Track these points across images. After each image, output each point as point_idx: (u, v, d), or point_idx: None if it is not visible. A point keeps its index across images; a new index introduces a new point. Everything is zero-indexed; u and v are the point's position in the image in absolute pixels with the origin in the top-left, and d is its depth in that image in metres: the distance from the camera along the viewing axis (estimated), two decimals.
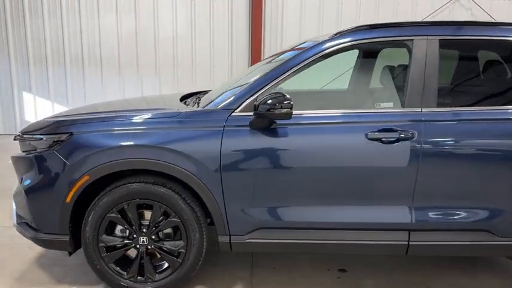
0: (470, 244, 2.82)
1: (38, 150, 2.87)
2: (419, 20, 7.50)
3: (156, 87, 8.18)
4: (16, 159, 3.03)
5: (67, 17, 7.99)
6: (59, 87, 8.22)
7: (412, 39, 2.85)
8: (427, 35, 2.84)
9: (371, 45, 3.05)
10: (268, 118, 2.66)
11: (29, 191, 2.85)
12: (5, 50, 8.09)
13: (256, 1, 7.81)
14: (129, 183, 2.79)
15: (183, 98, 3.60)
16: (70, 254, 2.98)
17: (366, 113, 2.82)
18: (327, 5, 8.04)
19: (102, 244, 2.85)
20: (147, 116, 2.89)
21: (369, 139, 2.70)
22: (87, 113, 3.10)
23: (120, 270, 2.90)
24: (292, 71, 2.83)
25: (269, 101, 2.61)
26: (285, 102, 2.59)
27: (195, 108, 3.01)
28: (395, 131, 2.71)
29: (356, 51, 3.83)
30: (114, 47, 8.11)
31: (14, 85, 8.21)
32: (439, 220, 2.80)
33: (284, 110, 2.59)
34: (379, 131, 2.72)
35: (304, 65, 2.84)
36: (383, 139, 2.71)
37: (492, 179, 2.75)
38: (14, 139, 3.06)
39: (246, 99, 2.80)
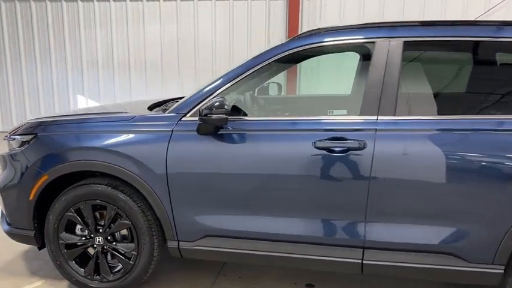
0: (433, 268, 2.54)
1: (10, 149, 3.06)
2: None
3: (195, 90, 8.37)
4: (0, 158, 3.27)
5: (116, 26, 8.47)
6: (108, 89, 8.74)
7: (374, 42, 2.64)
8: (390, 37, 2.62)
9: (328, 49, 2.86)
10: (207, 123, 2.61)
11: (2, 188, 3.05)
12: (63, 57, 8.76)
13: (292, 9, 7.72)
14: (84, 184, 2.88)
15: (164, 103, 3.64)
16: (39, 248, 3.13)
17: (314, 120, 2.66)
18: (368, 11, 7.71)
19: (61, 241, 2.97)
20: (103, 119, 2.96)
21: (316, 148, 2.54)
22: (56, 116, 3.24)
23: (78, 268, 2.99)
24: (243, 76, 2.75)
25: (207, 106, 2.56)
26: (219, 108, 2.52)
27: (148, 112, 3.04)
28: (345, 140, 2.53)
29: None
30: (157, 52, 8.44)
31: (69, 88, 8.87)
32: (395, 239, 2.55)
33: (214, 116, 2.53)
34: (327, 139, 2.55)
35: (256, 71, 2.75)
36: (332, 148, 2.53)
37: (457, 196, 2.45)
38: (3, 139, 3.30)
39: (197, 105, 2.76)
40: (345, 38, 2.73)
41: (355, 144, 2.50)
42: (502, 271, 2.47)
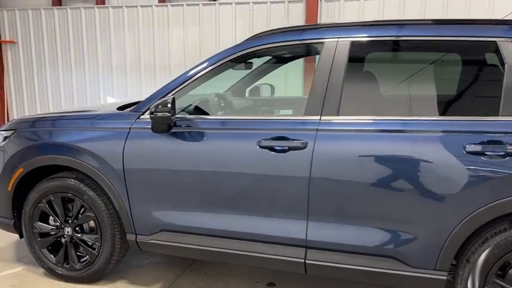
0: (375, 271, 2.50)
1: None
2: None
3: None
4: None
5: (143, 30, 8.81)
6: (136, 91, 9.10)
7: (323, 42, 2.64)
8: (338, 37, 2.61)
9: (281, 49, 2.88)
10: (154, 121, 2.71)
11: None
12: (95, 60, 9.23)
13: (310, 11, 7.70)
14: (55, 177, 3.07)
15: None
16: (20, 236, 3.36)
17: (259, 119, 2.70)
18: (388, 13, 7.55)
19: (36, 230, 3.18)
20: (71, 117, 3.15)
21: (260, 147, 2.58)
22: (39, 114, 3.46)
23: (50, 255, 3.19)
24: (199, 75, 2.84)
25: (155, 105, 2.67)
26: (163, 106, 2.62)
27: (111, 110, 3.18)
28: (287, 139, 2.55)
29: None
30: (181, 55, 8.70)
31: (100, 90, 9.32)
32: (337, 240, 2.54)
33: (159, 114, 2.63)
34: (271, 139, 2.58)
35: (211, 70, 2.83)
36: (275, 147, 2.56)
37: (396, 199, 2.40)
38: None
39: (154, 103, 2.87)
40: (296, 39, 2.75)
41: (297, 144, 2.52)
42: (445, 277, 2.39)
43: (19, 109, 10.01)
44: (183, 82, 2.85)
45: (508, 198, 2.22)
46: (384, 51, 2.83)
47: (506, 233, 2.27)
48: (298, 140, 2.52)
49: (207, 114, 3.05)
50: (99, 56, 9.22)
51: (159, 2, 8.75)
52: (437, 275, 2.40)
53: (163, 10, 8.70)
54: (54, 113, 3.44)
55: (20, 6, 9.81)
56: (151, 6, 8.74)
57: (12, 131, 3.20)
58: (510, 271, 2.27)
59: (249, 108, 3.63)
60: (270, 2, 8.09)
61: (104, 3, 9.19)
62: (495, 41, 2.36)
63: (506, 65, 2.32)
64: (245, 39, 2.88)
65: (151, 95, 2.93)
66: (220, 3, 8.35)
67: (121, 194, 2.89)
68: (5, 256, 3.61)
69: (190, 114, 2.94)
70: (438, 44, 2.51)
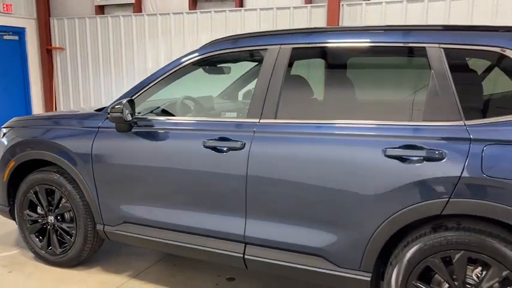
0: (305, 269, 2.59)
1: None
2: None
3: None
4: None
5: (175, 36, 9.25)
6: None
7: (266, 49, 2.78)
8: (281, 44, 2.73)
9: (232, 56, 3.03)
10: (112, 121, 2.96)
11: None
12: (131, 63, 9.80)
13: (331, 15, 7.73)
14: (41, 170, 3.42)
15: None
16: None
17: (205, 121, 2.88)
18: (410, 17, 7.41)
19: (25, 217, 3.55)
20: (55, 117, 3.49)
21: (205, 147, 2.76)
22: (36, 115, 3.85)
23: (37, 241, 3.55)
24: (158, 80, 3.06)
25: (111, 106, 2.93)
26: (116, 106, 2.87)
27: (86, 111, 3.48)
28: (229, 140, 2.71)
29: None
30: None
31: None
32: (270, 237, 2.66)
33: (114, 114, 2.88)
34: (214, 139, 2.75)
35: (169, 75, 3.04)
36: (218, 147, 2.73)
37: (323, 200, 2.49)
38: None
39: (110, 105, 3.13)
40: (245, 45, 2.90)
41: (236, 145, 2.67)
42: (369, 278, 2.44)
43: (66, 108, 10.79)
44: (145, 86, 3.08)
45: (424, 203, 2.24)
46: (320, 57, 2.90)
47: (426, 237, 2.28)
48: (238, 140, 2.67)
49: (172, 115, 3.26)
50: (135, 59, 9.76)
51: (189, 10, 9.13)
52: (361, 275, 2.45)
53: (193, 17, 9.08)
54: (46, 113, 3.81)
55: (68, 15, 10.61)
56: (182, 13, 9.15)
57: (9, 128, 3.60)
58: (432, 275, 2.29)
59: (213, 110, 3.81)
60: (293, 7, 8.21)
61: (140, 12, 9.71)
62: (424, 47, 2.38)
63: (432, 71, 2.34)
64: (203, 45, 3.07)
65: (120, 97, 3.19)
66: (245, 9, 8.58)
67: (91, 188, 3.17)
68: (5, 241, 4.02)
69: (158, 115, 3.17)
70: (371, 50, 2.57)
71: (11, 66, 10.57)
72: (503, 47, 2.24)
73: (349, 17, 7.84)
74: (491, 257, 2.15)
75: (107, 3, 10.13)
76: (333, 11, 7.73)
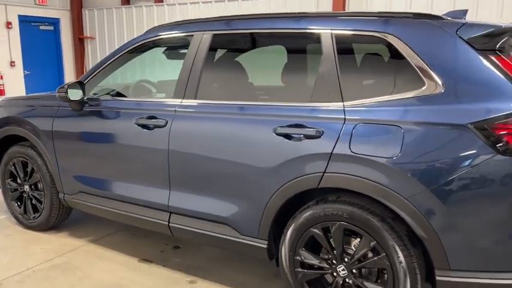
0: (216, 236, 2.84)
1: None
2: None
3: None
4: None
5: None
6: None
7: (192, 35, 3.03)
8: (204, 31, 2.97)
9: (165, 41, 3.29)
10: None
11: None
12: (153, 51, 10.28)
13: (337, 3, 7.79)
14: (19, 144, 3.88)
15: None
16: None
17: (137, 101, 3.18)
18: (415, 5, 7.32)
19: (7, 186, 4.03)
20: (30, 98, 3.92)
21: (137, 125, 3.07)
22: (20, 96, 4.32)
23: (17, 207, 4.02)
24: (106, 64, 3.40)
25: (59, 87, 3.29)
26: (62, 88, 3.23)
27: (53, 92, 3.87)
28: (155, 118, 3.00)
29: None
30: None
31: (156, 78, 10.37)
32: (188, 207, 2.93)
33: (60, 94, 3.23)
34: (144, 117, 3.05)
35: (115, 60, 3.37)
36: (146, 125, 3.03)
37: (227, 173, 2.72)
38: None
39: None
40: (175, 32, 3.16)
41: (161, 123, 2.96)
42: (265, 246, 2.66)
43: None
44: (96, 70, 3.43)
45: (304, 177, 2.43)
46: (233, 43, 3.10)
47: (310, 210, 2.47)
48: (162, 119, 2.95)
49: (124, 96, 3.59)
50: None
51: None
52: (259, 243, 2.67)
53: (208, 6, 9.39)
54: (28, 95, 4.27)
55: (98, 6, 11.26)
56: (198, 2, 9.49)
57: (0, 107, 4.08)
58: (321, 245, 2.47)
59: (155, 92, 4.07)
60: None
61: (161, 1, 10.15)
62: (319, 33, 2.55)
63: (322, 55, 2.50)
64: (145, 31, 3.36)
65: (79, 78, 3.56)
66: None
67: (53, 161, 3.58)
68: None
69: (111, 97, 3.52)
70: (272, 36, 2.75)
71: (47, 54, 11.39)
72: (384, 32, 2.36)
73: (355, 5, 7.86)
74: (362, 228, 2.32)
75: None
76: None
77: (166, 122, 2.92)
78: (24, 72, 10.60)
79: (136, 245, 3.67)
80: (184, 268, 3.28)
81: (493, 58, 2.13)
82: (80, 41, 11.46)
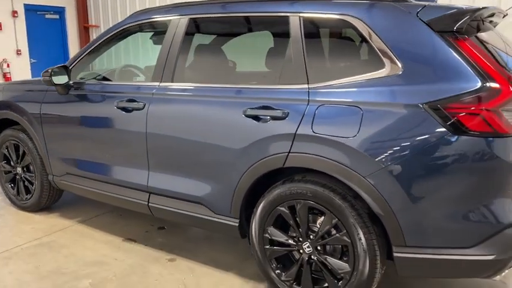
0: (193, 215, 2.93)
1: None
2: None
3: None
4: None
5: None
6: None
7: (170, 20, 3.10)
8: (181, 15, 3.04)
9: (146, 26, 3.36)
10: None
11: None
12: (147, 41, 10.37)
13: None
14: (12, 128, 4.00)
15: None
16: None
17: (117, 85, 3.28)
18: None
19: (1, 168, 4.18)
20: (21, 82, 4.04)
21: (117, 107, 3.16)
22: (15, 80, 4.44)
23: (11, 188, 4.16)
24: (91, 49, 3.48)
25: (43, 71, 3.39)
26: (46, 72, 3.33)
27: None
28: (135, 101, 3.08)
29: None
30: None
31: None
32: (166, 187, 3.02)
33: (45, 78, 3.33)
34: (124, 100, 3.13)
35: (101, 44, 3.45)
36: (126, 108, 3.12)
37: (201, 154, 2.80)
38: None
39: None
40: (156, 17, 3.22)
41: (139, 105, 3.04)
42: (237, 224, 2.74)
43: None
44: (80, 55, 3.52)
45: (271, 157, 2.50)
46: (207, 27, 3.15)
47: (277, 189, 2.55)
48: (140, 102, 3.04)
49: (109, 81, 3.68)
50: None
51: None
52: (231, 221, 2.76)
53: None
54: (21, 80, 4.39)
55: None
56: None
57: None
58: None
59: (138, 76, 4.15)
60: None
61: None
62: (288, 16, 2.60)
63: (290, 38, 2.56)
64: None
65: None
66: None
67: (42, 143, 3.70)
68: None
69: (96, 81, 3.61)
70: (244, 20, 2.81)
71: (53, 42, 11.53)
72: (349, 16, 2.40)
73: None
74: (325, 206, 2.39)
75: None
76: None
77: (144, 105, 3.01)
78: (30, 61, 10.76)
79: (123, 226, 3.79)
80: (166, 247, 3.39)
81: (450, 40, 2.16)
82: (85, 30, 11.58)
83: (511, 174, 2.08)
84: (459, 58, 2.12)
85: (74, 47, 11.76)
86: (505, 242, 2.08)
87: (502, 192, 2.08)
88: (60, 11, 11.50)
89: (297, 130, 2.39)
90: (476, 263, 2.11)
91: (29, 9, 10.70)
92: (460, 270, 2.20)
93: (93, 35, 11.72)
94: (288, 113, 2.44)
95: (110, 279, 2.94)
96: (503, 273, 2.23)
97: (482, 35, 2.34)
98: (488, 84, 2.04)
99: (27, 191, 4.05)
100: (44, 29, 11.24)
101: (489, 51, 2.28)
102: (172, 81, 2.97)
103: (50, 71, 3.32)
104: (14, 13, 10.36)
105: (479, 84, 2.05)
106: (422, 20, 2.23)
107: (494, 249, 2.08)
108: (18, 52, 10.51)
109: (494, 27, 2.91)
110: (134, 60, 4.01)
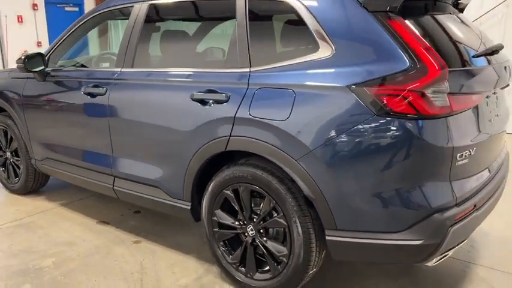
0: (151, 199, 3.00)
1: None
2: None
3: None
4: None
5: None
6: None
7: (133, 6, 3.15)
8: (142, 1, 3.09)
9: (115, 13, 3.41)
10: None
11: None
12: None
13: None
14: (1, 114, 4.18)
15: None
16: None
17: (88, 71, 3.41)
18: None
19: None
20: (11, 70, 4.18)
21: (84, 93, 3.25)
22: (6, 68, 4.63)
23: (2, 173, 4.36)
24: (66, 37, 3.59)
25: (17, 59, 3.51)
26: (19, 59, 3.45)
27: None
28: (98, 87, 3.16)
29: None
30: None
31: None
32: (128, 171, 3.10)
33: (18, 65, 3.46)
34: (90, 86, 3.22)
35: (75, 31, 3.55)
36: (91, 93, 3.20)
37: (153, 138, 2.85)
38: None
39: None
40: (124, 3, 3.27)
41: (101, 91, 3.12)
42: (189, 207, 2.79)
43: None
44: (56, 43, 3.63)
45: (214, 141, 2.52)
46: (161, 13, 3.17)
47: (223, 173, 2.57)
48: (103, 87, 3.11)
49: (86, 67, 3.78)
50: None
51: None
52: (183, 204, 2.81)
53: None
54: (11, 67, 4.55)
55: None
56: None
57: None
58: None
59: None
60: None
61: None
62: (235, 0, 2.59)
63: (236, 22, 2.56)
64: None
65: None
66: None
67: (24, 129, 3.85)
68: None
69: (75, 67, 3.72)
70: (198, 4, 2.82)
71: None
72: None
73: None
74: (264, 189, 2.39)
75: None
76: None
77: (106, 90, 3.08)
78: None
79: (102, 209, 3.91)
80: (135, 230, 3.47)
81: (383, 20, 2.11)
82: None
83: (438, 158, 2.02)
84: (390, 39, 2.06)
85: (92, 38, 12.01)
86: (433, 227, 2.03)
87: (428, 176, 2.03)
88: (79, 3, 11.79)
89: (236, 113, 2.39)
90: (404, 247, 2.07)
91: (49, 2, 11.03)
92: (390, 255, 2.16)
93: (112, 26, 11.93)
94: (230, 96, 2.44)
95: (73, 258, 3.05)
96: (439, 260, 2.18)
97: (433, 18, 2.28)
98: (415, 65, 1.98)
99: (16, 175, 4.23)
100: (63, 21, 11.52)
101: (430, 34, 2.22)
102: (132, 67, 3.02)
103: (23, 57, 3.44)
104: (34, 6, 10.71)
105: (407, 65, 1.99)
106: (357, 1, 2.18)
107: (422, 234, 2.04)
108: (39, 44, 10.85)
109: (461, 11, 2.82)
110: None
